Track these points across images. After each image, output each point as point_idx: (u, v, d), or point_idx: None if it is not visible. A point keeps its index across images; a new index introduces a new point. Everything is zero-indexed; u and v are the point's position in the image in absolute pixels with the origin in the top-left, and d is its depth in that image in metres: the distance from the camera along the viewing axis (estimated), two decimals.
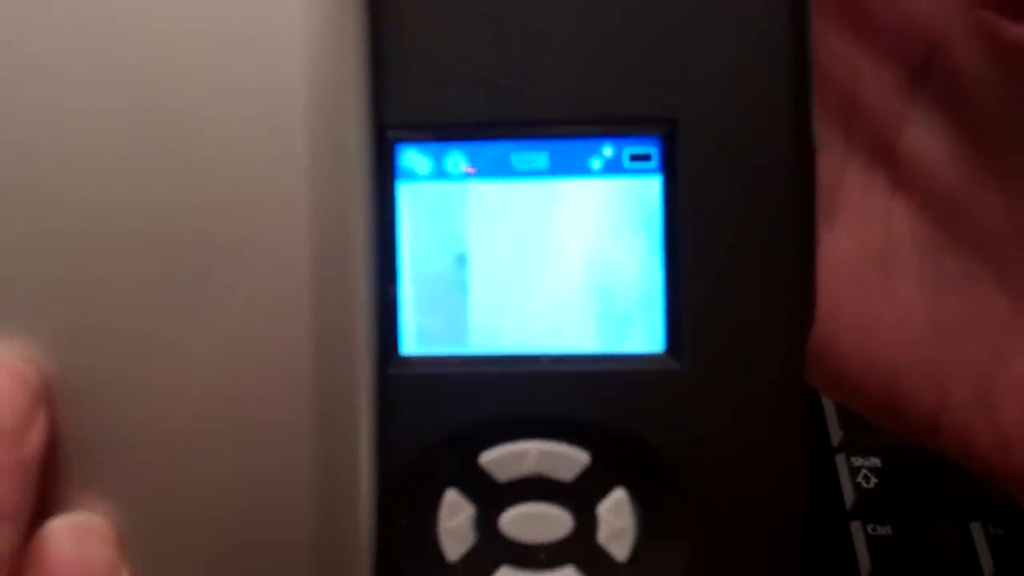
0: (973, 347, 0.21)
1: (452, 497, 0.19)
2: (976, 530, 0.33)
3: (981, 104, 0.21)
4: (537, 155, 0.19)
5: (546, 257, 0.19)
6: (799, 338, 0.19)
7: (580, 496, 0.19)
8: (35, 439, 0.18)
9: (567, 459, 0.19)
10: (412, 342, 0.19)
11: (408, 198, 0.19)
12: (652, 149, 0.19)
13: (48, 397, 0.18)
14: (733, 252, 0.19)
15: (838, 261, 0.22)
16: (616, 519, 0.19)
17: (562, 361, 0.19)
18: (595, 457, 0.19)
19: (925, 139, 0.22)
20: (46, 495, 0.18)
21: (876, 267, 0.22)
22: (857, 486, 0.34)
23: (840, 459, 0.34)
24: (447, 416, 0.19)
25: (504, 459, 0.19)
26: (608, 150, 0.19)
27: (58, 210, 0.18)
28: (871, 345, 0.22)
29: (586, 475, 0.19)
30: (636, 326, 0.19)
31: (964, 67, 0.21)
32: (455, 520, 0.19)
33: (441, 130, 0.19)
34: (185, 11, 0.18)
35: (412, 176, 0.19)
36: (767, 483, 0.19)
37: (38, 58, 0.18)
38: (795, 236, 0.19)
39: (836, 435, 0.35)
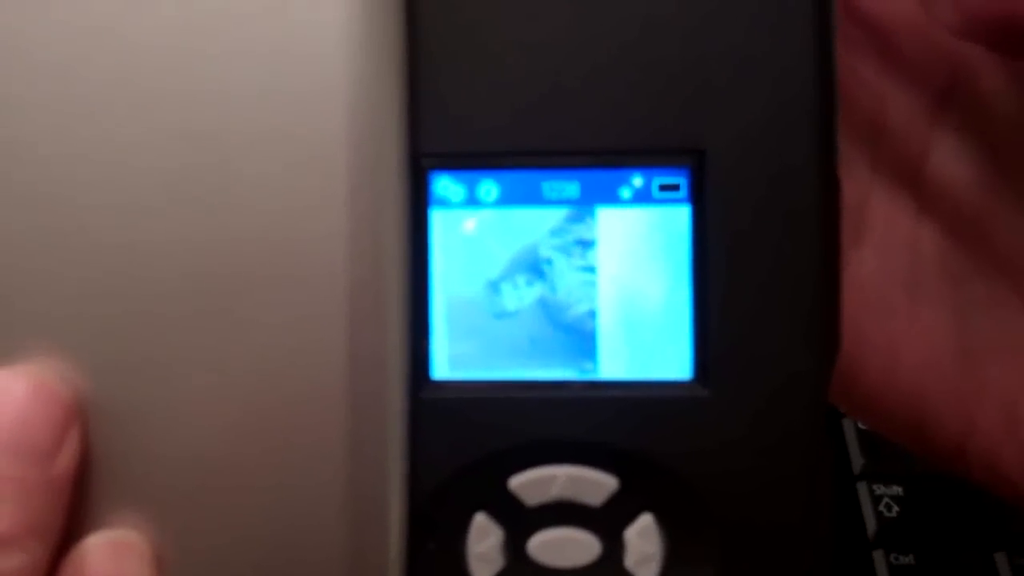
0: (1000, 371, 0.21)
1: (481, 521, 0.19)
2: (1000, 560, 0.33)
3: (1005, 128, 0.21)
4: (568, 184, 0.19)
5: (576, 284, 0.19)
6: (825, 366, 0.19)
7: (608, 521, 0.19)
8: (67, 458, 0.18)
9: (595, 484, 0.19)
10: (443, 367, 0.20)
11: (441, 225, 0.20)
12: (681, 179, 0.19)
13: (81, 416, 0.18)
14: (760, 281, 0.19)
15: (864, 285, 0.22)
16: (643, 544, 0.19)
17: (591, 387, 0.19)
18: (623, 482, 0.19)
19: (950, 163, 0.22)
20: (81, 513, 0.18)
21: (902, 291, 0.22)
22: (879, 515, 0.34)
23: (862, 487, 0.34)
24: (477, 440, 0.19)
25: (533, 483, 0.19)
26: (638, 180, 0.19)
27: (98, 238, 0.18)
28: (897, 369, 0.22)
29: (614, 500, 0.19)
30: (664, 353, 0.19)
31: (988, 92, 0.21)
32: (484, 544, 0.19)
33: (474, 159, 0.19)
34: (225, 45, 0.18)
35: (445, 203, 0.20)
36: (794, 508, 0.19)
37: (86, 107, 0.18)
38: (821, 265, 0.19)
39: (858, 463, 0.35)
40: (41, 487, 0.18)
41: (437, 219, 0.20)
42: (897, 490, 0.34)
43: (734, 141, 0.19)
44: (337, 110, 0.18)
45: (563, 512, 0.19)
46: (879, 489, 0.34)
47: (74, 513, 0.18)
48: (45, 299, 0.18)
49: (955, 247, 0.22)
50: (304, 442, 0.18)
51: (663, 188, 0.19)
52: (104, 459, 0.19)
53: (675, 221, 0.19)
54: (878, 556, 0.33)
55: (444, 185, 0.19)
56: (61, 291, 0.18)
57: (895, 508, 0.34)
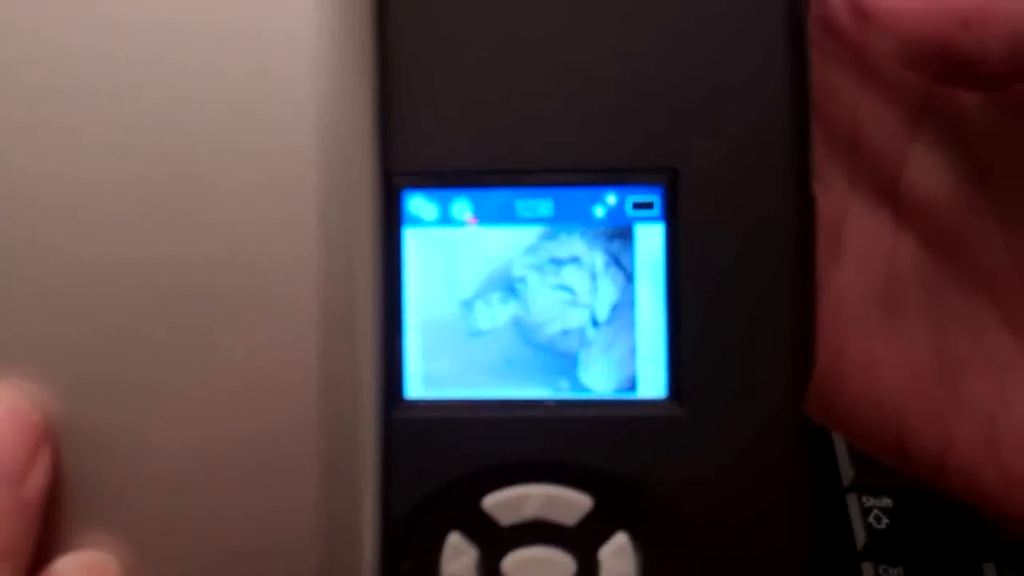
0: (978, 386, 0.21)
1: (455, 540, 0.19)
2: (989, 571, 0.32)
3: (979, 144, 0.21)
4: (541, 202, 0.19)
5: (550, 302, 0.19)
6: (800, 382, 0.19)
7: (582, 540, 0.19)
8: (37, 480, 0.18)
9: (569, 503, 0.19)
10: (417, 386, 0.20)
11: (414, 244, 0.19)
12: (655, 197, 0.19)
13: (52, 439, 0.18)
14: (734, 298, 0.19)
15: (843, 300, 0.22)
16: (618, 563, 0.19)
17: (565, 406, 0.19)
18: (597, 501, 0.19)
19: (926, 178, 0.22)
20: (52, 535, 0.18)
21: (881, 305, 0.22)
22: (868, 526, 0.34)
23: (851, 499, 0.34)
24: (451, 460, 0.19)
25: (507, 503, 0.19)
26: (611, 198, 0.19)
27: (70, 260, 0.18)
28: (876, 384, 0.22)
29: (588, 519, 0.19)
30: (639, 372, 0.19)
31: (962, 108, 0.21)
32: (458, 563, 0.19)
33: (447, 177, 0.19)
34: (195, 67, 0.18)
35: (418, 222, 0.19)
36: (770, 527, 0.19)
37: (59, 124, 0.18)
38: (795, 282, 0.19)
39: (847, 475, 0.35)
40: (12, 509, 0.18)
41: (410, 238, 0.19)
42: (887, 502, 0.34)
43: (708, 159, 0.19)
44: (308, 129, 0.18)
45: (538, 531, 0.19)
46: (869, 501, 0.34)
47: (45, 535, 0.18)
48: (15, 321, 0.18)
49: (933, 261, 0.22)
50: (277, 462, 0.18)
51: (637, 206, 0.19)
52: (75, 481, 0.18)
53: (649, 239, 0.19)
54: (867, 568, 0.33)
55: (417, 204, 0.19)
56: (32, 314, 0.18)
57: (884, 520, 0.34)
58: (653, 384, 0.19)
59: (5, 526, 0.17)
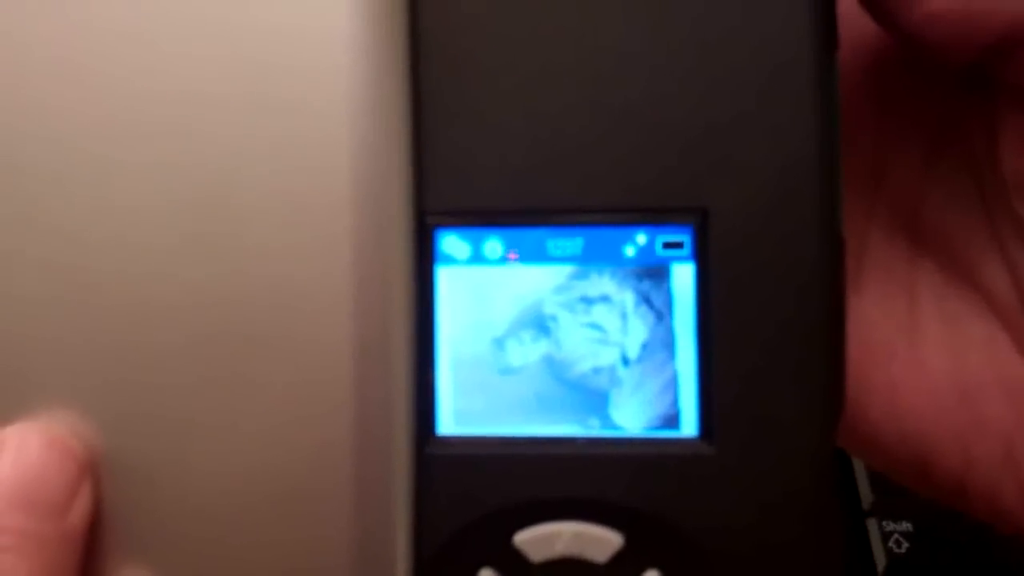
0: (996, 410, 0.22)
1: None
2: None
3: (988, 177, 0.21)
4: (572, 241, 0.20)
5: (581, 340, 0.20)
6: (830, 421, 0.19)
7: None
8: (80, 512, 0.18)
9: (600, 541, 0.19)
10: (449, 422, 0.20)
11: (447, 282, 0.20)
12: (685, 237, 0.19)
13: (94, 471, 0.19)
14: (764, 338, 0.19)
15: (865, 328, 0.22)
16: None
17: (596, 444, 0.19)
18: (628, 539, 0.19)
19: (942, 209, 0.22)
20: (93, 567, 0.19)
21: (902, 333, 0.22)
22: (889, 551, 0.34)
23: (872, 523, 0.34)
24: (482, 496, 0.19)
25: (538, 540, 0.19)
26: (642, 238, 0.19)
27: (110, 295, 0.19)
28: (899, 411, 0.22)
29: (619, 557, 0.19)
30: (670, 411, 0.19)
31: (975, 140, 0.21)
32: None
33: (479, 216, 0.20)
34: (233, 106, 0.18)
35: (451, 260, 0.20)
36: (800, 565, 0.19)
37: (94, 156, 0.19)
38: (824, 321, 0.19)
39: (867, 499, 0.35)
40: (55, 541, 0.18)
41: (443, 276, 0.20)
42: (907, 526, 0.34)
43: (737, 199, 0.19)
44: (343, 169, 0.18)
45: (568, 568, 0.19)
46: (889, 525, 0.34)
47: (86, 567, 0.18)
48: (58, 357, 0.19)
49: (949, 289, 0.22)
50: (311, 497, 0.19)
51: (667, 246, 0.19)
52: (115, 513, 0.19)
53: (679, 279, 0.19)
54: None
55: (450, 242, 0.20)
56: (74, 349, 0.19)
57: (905, 544, 0.34)
58: (684, 423, 0.19)
59: (48, 557, 0.18)
